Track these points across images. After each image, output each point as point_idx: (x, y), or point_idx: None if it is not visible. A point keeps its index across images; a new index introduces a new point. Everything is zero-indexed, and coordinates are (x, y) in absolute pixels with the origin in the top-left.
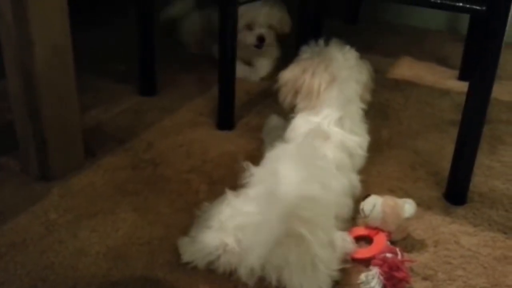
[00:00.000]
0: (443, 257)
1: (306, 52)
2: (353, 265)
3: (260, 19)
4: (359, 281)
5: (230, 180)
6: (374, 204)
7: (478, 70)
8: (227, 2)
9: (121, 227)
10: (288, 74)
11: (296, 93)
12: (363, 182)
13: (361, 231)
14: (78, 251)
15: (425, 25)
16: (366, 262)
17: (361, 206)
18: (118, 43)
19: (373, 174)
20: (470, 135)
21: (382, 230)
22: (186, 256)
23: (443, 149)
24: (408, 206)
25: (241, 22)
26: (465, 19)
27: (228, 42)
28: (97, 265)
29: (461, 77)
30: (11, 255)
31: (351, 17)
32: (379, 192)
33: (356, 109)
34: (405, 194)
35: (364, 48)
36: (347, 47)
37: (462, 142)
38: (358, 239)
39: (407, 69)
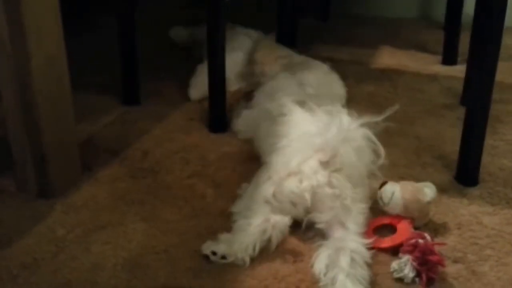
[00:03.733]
0: (469, 238)
1: None
2: (379, 254)
3: None
4: (391, 270)
5: (235, 181)
6: (392, 192)
7: (480, 50)
8: None
9: (134, 238)
10: None
11: None
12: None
13: (383, 220)
14: (93, 265)
15: (397, 15)
16: (393, 251)
17: (379, 195)
18: (91, 53)
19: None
20: (477, 115)
21: (404, 217)
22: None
23: (443, 132)
24: (428, 190)
25: None
26: (438, 5)
27: (217, 41)
28: (116, 277)
29: (445, 62)
30: (23, 277)
31: (322, 14)
32: (392, 180)
33: None
34: (417, 181)
35: (342, 42)
36: None
37: (470, 123)
38: (381, 229)
39: (389, 58)
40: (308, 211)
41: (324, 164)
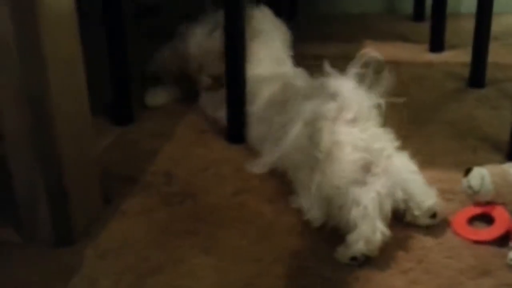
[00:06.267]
0: None
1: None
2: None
3: None
4: (510, 262)
5: (288, 192)
6: (482, 177)
7: None
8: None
9: (204, 276)
10: None
11: None
12: (425, 162)
13: (475, 210)
14: None
15: (363, 11)
16: (499, 242)
17: (465, 183)
18: None
19: (429, 153)
20: None
21: (496, 203)
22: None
23: (472, 115)
24: None
25: None
26: None
27: (237, 43)
28: None
29: (432, 49)
30: None
31: (290, 13)
32: (450, 168)
33: None
34: (477, 165)
35: (322, 39)
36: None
37: None
38: (473, 220)
39: (377, 51)
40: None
41: (353, 122)
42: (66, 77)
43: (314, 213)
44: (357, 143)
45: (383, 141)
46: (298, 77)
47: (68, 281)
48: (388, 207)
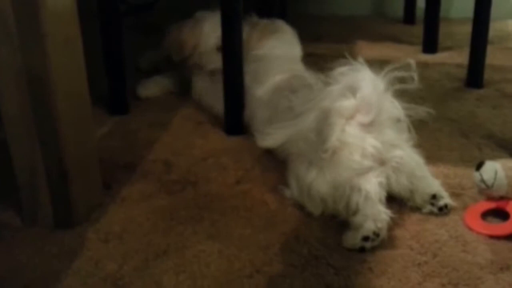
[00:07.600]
0: None
1: None
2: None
3: None
4: None
5: None
6: (495, 171)
7: None
8: None
9: (210, 261)
10: None
11: None
12: (431, 157)
13: (488, 204)
14: None
15: (352, 13)
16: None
17: (478, 177)
18: None
19: (433, 149)
20: None
21: (510, 198)
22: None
23: (473, 113)
24: None
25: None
26: (391, 1)
27: (234, 38)
28: None
29: (425, 51)
30: None
31: (280, 14)
32: (457, 164)
33: None
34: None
35: (313, 39)
36: None
37: None
38: (487, 215)
39: (370, 51)
40: None
41: (369, 126)
42: (66, 57)
43: (309, 207)
44: (367, 150)
45: (396, 149)
46: (308, 74)
47: (71, 262)
48: (383, 195)
